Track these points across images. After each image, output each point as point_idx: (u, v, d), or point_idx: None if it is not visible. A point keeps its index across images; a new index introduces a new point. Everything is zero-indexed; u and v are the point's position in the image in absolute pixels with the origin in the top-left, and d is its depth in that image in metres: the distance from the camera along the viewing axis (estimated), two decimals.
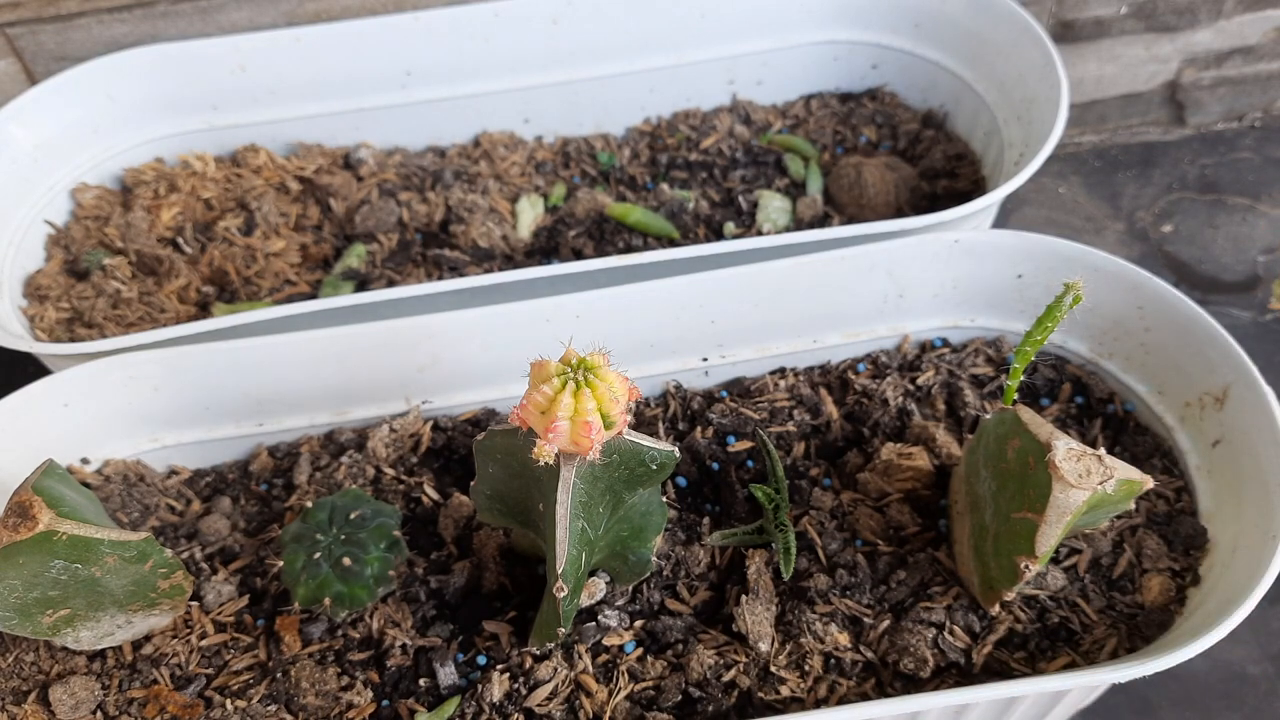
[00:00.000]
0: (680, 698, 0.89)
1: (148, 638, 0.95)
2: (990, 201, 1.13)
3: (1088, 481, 0.77)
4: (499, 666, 0.90)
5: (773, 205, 1.32)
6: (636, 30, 1.43)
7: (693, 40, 1.45)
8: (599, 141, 1.47)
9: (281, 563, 0.93)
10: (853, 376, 1.11)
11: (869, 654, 0.90)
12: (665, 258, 1.09)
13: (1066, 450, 0.78)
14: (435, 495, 1.04)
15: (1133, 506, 0.96)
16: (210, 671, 0.93)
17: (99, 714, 0.91)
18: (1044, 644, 0.90)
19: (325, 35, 1.38)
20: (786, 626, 0.91)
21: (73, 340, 1.23)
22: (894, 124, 1.45)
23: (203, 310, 1.28)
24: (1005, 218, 1.60)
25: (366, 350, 1.08)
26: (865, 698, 0.88)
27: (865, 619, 0.92)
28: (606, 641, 0.92)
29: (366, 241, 1.33)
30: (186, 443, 1.12)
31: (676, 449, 0.79)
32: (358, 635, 0.94)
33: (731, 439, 1.07)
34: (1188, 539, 0.95)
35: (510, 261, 1.31)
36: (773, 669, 0.89)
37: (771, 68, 1.48)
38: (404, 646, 0.93)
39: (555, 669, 0.89)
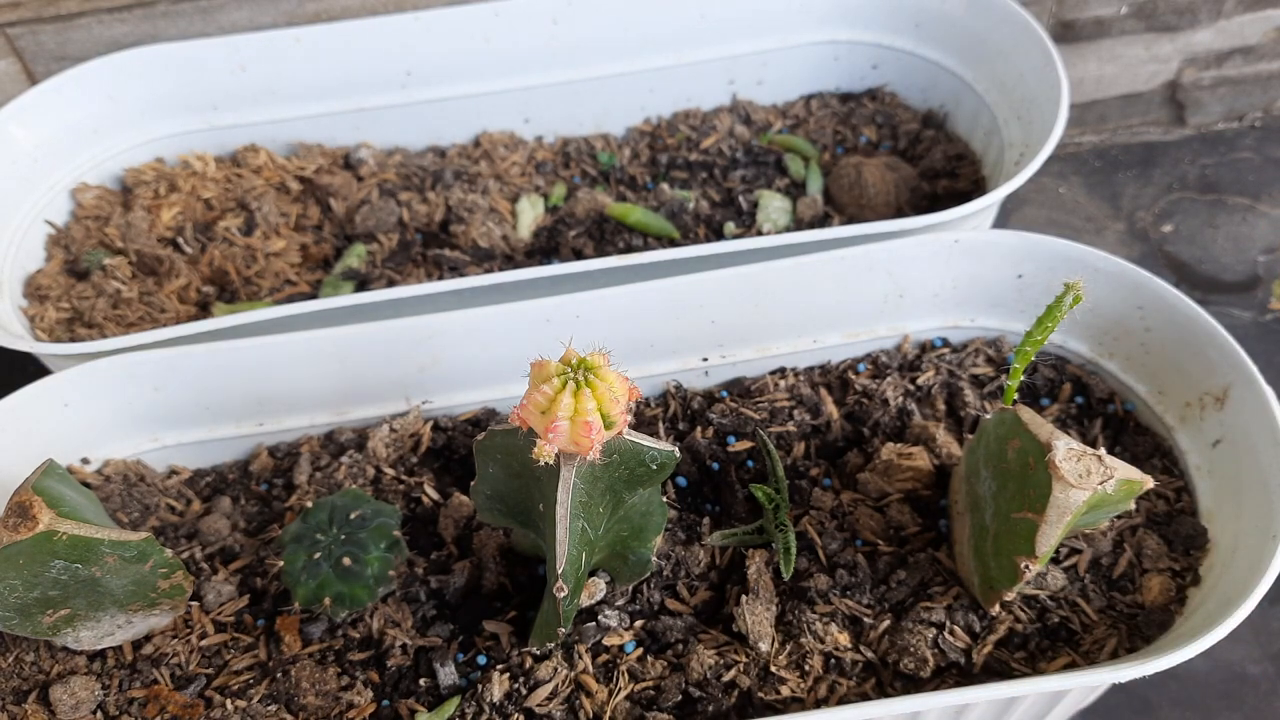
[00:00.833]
0: (680, 698, 0.89)
1: (148, 638, 0.95)
2: (990, 201, 1.13)
3: (1088, 481, 0.77)
4: (499, 666, 0.90)
5: (773, 205, 1.32)
6: (636, 30, 1.43)
7: (693, 40, 1.44)
8: (599, 141, 1.47)
9: (281, 563, 0.93)
10: (853, 376, 1.11)
11: (869, 654, 0.90)
12: (665, 258, 1.09)
13: (1067, 450, 0.78)
14: (435, 495, 1.04)
15: (1133, 506, 0.96)
16: (210, 671, 0.93)
17: (99, 714, 0.91)
18: (1044, 644, 0.90)
19: (325, 35, 1.37)
20: (787, 626, 0.91)
21: (73, 340, 1.23)
22: (894, 124, 1.45)
23: (203, 310, 1.28)
24: (1005, 218, 1.60)
25: (366, 350, 1.08)
26: (865, 698, 0.88)
27: (865, 619, 0.92)
28: (606, 641, 0.92)
29: (367, 241, 1.33)
30: (187, 443, 1.12)
31: (676, 449, 0.79)
32: (358, 635, 0.94)
33: (731, 439, 1.07)
34: (1188, 539, 0.95)
35: (510, 261, 1.31)
36: (773, 669, 0.89)
37: (772, 68, 1.48)
38: (404, 646, 0.93)
39: (555, 669, 0.89)
